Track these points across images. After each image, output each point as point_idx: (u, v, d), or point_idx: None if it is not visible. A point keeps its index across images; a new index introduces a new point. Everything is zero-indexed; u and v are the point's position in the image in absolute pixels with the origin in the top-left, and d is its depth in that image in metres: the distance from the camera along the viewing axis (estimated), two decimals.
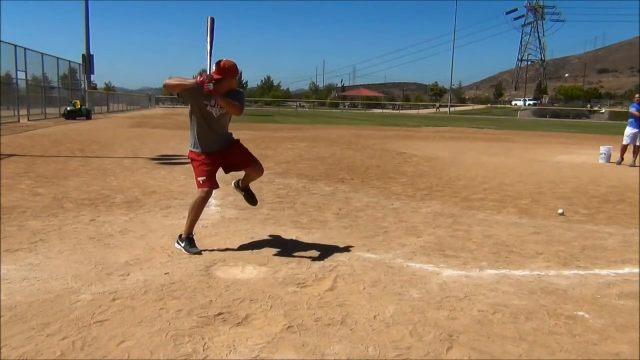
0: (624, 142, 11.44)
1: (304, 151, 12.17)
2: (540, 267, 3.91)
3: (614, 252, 4.39)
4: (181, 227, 4.12)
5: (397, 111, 75.04)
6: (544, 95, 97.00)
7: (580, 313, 3.04)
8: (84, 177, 7.46)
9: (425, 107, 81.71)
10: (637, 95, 11.89)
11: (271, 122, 29.08)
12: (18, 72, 20.32)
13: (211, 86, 3.64)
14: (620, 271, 3.87)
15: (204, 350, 2.44)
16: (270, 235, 4.59)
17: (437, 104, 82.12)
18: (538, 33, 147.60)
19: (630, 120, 11.50)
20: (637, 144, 11.32)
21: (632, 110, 11.42)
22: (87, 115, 25.17)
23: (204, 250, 3.98)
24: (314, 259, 3.91)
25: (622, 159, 11.33)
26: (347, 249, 4.23)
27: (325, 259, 3.91)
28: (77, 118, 24.18)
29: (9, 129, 16.15)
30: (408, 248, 4.30)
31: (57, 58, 25.84)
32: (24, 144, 11.93)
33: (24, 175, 7.45)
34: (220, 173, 4.07)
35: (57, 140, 13.30)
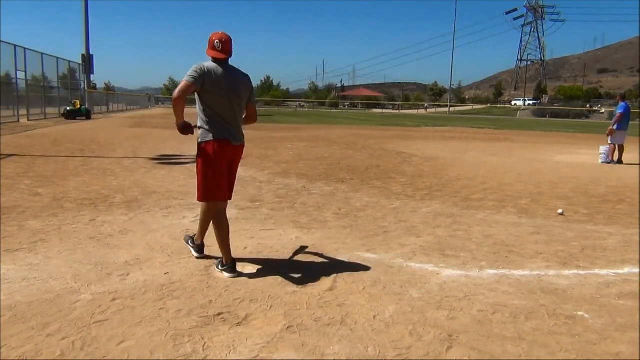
0: (619, 143, 11.68)
1: (303, 151, 12.16)
2: (540, 267, 3.91)
3: (614, 252, 4.39)
4: (181, 226, 4.11)
5: (397, 111, 75.03)
6: (544, 95, 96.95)
7: (580, 313, 3.04)
8: (84, 177, 7.46)
9: (424, 107, 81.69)
10: (618, 97, 12.70)
11: (271, 122, 29.06)
12: (18, 72, 20.32)
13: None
14: (620, 271, 3.87)
15: (203, 350, 2.44)
16: (270, 236, 4.59)
17: (426, 104, 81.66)
18: (538, 33, 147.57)
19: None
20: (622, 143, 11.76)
21: (618, 112, 11.92)
22: (87, 115, 25.16)
23: (204, 251, 3.98)
24: (314, 259, 3.91)
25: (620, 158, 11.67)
26: (347, 249, 4.23)
27: (325, 259, 3.91)
28: (77, 118, 24.18)
29: (9, 129, 16.15)
30: (408, 248, 4.30)
31: (57, 58, 25.83)
32: (24, 144, 11.92)
33: (24, 175, 7.45)
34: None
35: (57, 140, 13.29)
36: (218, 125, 3.49)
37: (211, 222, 3.68)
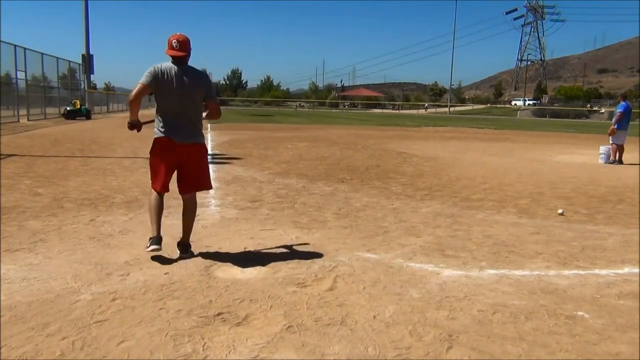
0: (619, 143, 11.65)
1: (303, 151, 12.17)
2: (540, 267, 3.91)
3: (614, 252, 4.39)
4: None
5: (397, 111, 75.02)
6: (544, 95, 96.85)
7: (580, 313, 3.04)
8: (84, 177, 7.47)
9: (424, 107, 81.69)
10: (619, 97, 12.99)
11: (271, 122, 29.07)
12: (18, 72, 20.35)
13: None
14: (620, 271, 3.88)
15: (203, 350, 2.44)
16: (270, 236, 4.59)
17: (426, 104, 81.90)
18: (538, 33, 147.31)
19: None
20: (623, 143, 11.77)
21: (618, 111, 11.96)
22: (87, 115, 25.17)
23: (204, 251, 3.98)
24: (314, 259, 3.91)
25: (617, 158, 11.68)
26: (347, 249, 4.23)
27: (325, 259, 3.91)
28: (77, 118, 24.19)
29: (9, 129, 16.15)
30: (408, 248, 4.30)
31: (57, 58, 25.86)
32: (24, 144, 11.93)
33: (24, 175, 7.45)
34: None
35: (57, 140, 13.30)
36: (164, 122, 3.76)
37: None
